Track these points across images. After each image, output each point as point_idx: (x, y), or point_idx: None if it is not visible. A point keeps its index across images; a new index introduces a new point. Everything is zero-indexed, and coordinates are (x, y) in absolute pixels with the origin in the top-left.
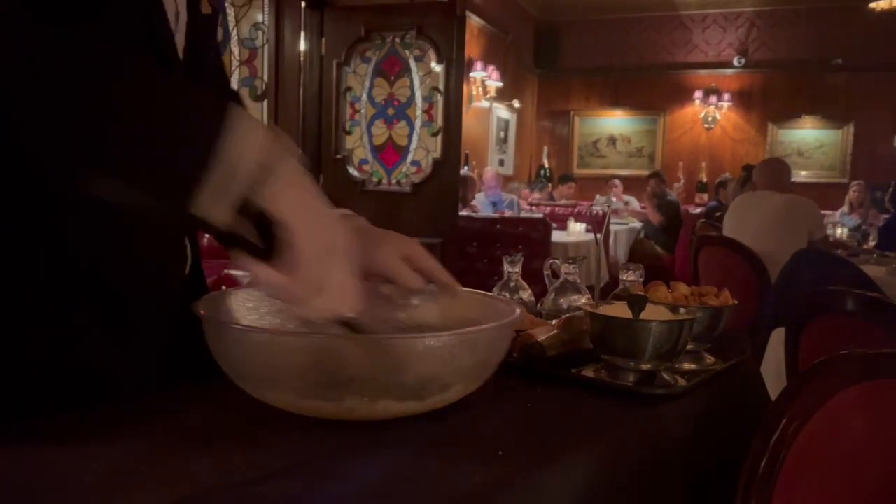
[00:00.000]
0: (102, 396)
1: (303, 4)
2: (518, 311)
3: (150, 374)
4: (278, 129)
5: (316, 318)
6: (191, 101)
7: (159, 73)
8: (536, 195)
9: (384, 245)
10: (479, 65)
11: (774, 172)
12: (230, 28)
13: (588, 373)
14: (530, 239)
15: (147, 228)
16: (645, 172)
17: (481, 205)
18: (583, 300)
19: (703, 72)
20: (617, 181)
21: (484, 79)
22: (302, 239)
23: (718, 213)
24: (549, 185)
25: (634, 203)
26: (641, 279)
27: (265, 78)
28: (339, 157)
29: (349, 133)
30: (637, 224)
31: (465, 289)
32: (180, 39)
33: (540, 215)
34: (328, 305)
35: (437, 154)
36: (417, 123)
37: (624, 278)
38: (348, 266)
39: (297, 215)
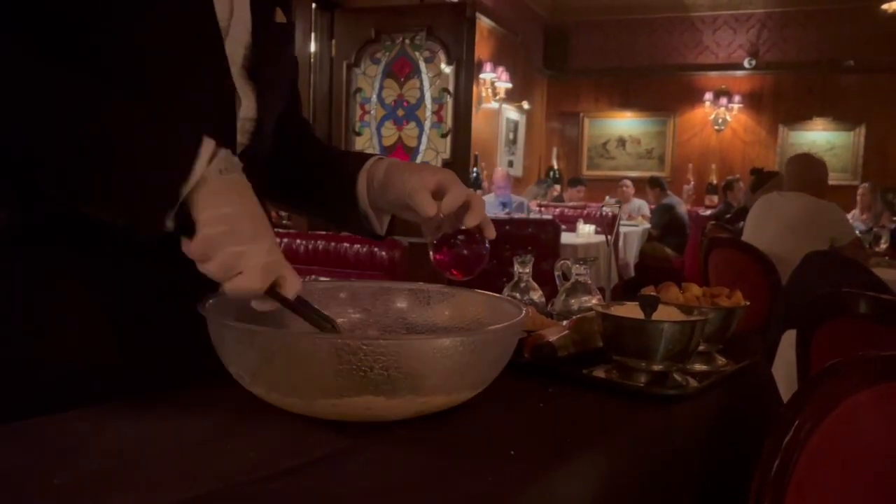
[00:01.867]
0: (107, 395)
1: (313, 6)
2: (525, 311)
3: (158, 374)
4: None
5: (234, 296)
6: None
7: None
8: (544, 194)
9: (412, 175)
10: (488, 66)
11: (805, 170)
12: None
13: (599, 373)
14: (540, 240)
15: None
16: (655, 174)
17: (489, 205)
18: (593, 301)
19: (713, 73)
20: (628, 181)
21: (493, 80)
22: (206, 226)
23: (728, 216)
24: (557, 186)
25: (644, 208)
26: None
27: None
28: None
29: (359, 134)
30: (647, 225)
31: (474, 290)
32: (238, 42)
33: (549, 217)
34: (241, 285)
35: (446, 155)
36: (427, 125)
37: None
38: (261, 249)
39: (205, 210)
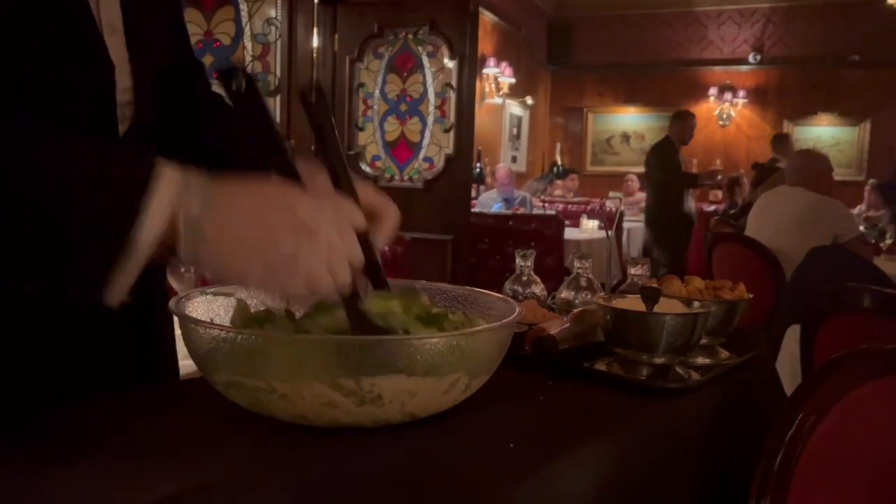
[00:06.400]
0: (46, 400)
1: (316, 1)
2: (518, 310)
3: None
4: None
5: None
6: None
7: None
8: (544, 189)
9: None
10: (491, 61)
11: (806, 165)
12: (243, 23)
13: (601, 366)
14: (543, 236)
15: None
16: None
17: (493, 201)
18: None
19: (718, 68)
20: (633, 176)
21: (497, 75)
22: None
23: (732, 212)
24: (559, 181)
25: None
26: (648, 273)
27: (278, 73)
28: (351, 153)
29: (362, 129)
30: None
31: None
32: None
33: (553, 212)
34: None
35: (449, 150)
36: (430, 120)
37: (632, 272)
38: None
39: (226, 266)
